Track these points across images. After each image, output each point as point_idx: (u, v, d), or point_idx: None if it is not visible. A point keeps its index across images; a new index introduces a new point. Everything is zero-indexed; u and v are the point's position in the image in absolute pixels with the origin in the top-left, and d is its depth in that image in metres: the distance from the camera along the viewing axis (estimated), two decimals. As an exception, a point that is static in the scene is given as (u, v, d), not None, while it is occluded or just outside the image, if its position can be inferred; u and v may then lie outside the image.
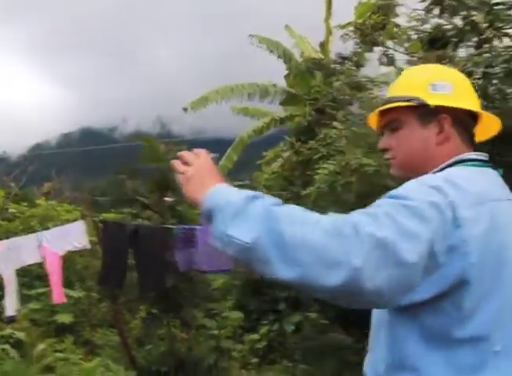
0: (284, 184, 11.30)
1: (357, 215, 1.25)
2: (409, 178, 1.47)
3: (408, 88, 1.62)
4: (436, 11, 4.53)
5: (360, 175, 5.18)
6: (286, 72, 11.23)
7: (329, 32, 11.01)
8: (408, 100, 1.57)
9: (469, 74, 3.77)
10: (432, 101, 1.56)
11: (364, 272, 1.15)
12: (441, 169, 1.52)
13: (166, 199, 4.64)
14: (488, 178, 1.51)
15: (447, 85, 1.59)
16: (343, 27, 6.59)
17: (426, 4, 4.78)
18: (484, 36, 3.55)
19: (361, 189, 4.97)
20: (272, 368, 8.40)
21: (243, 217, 1.26)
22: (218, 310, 6.05)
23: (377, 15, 6.05)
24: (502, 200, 1.47)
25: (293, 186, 10.77)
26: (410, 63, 6.96)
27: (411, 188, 1.35)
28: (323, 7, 11.41)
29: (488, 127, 1.68)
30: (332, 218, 1.24)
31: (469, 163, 1.53)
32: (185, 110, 11.07)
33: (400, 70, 7.32)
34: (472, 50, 4.79)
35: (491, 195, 1.44)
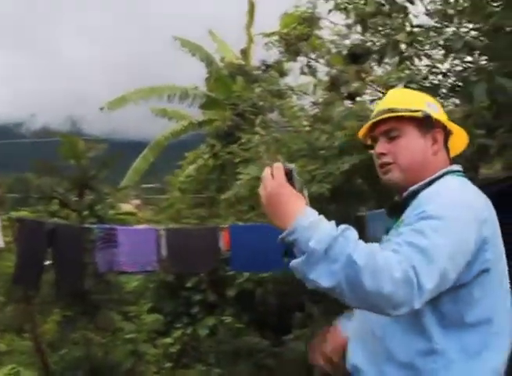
0: (199, 188, 11.32)
1: (412, 258, 1.41)
2: (403, 185, 1.76)
3: (412, 101, 1.82)
4: (358, 28, 4.74)
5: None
6: (207, 76, 11.28)
7: (250, 40, 11.16)
8: (414, 111, 1.76)
9: (391, 88, 3.99)
10: (432, 114, 1.77)
11: (418, 309, 1.44)
12: (437, 177, 1.73)
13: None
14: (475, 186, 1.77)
15: (436, 107, 1.83)
16: (267, 35, 6.72)
17: (348, 21, 4.98)
18: (405, 54, 3.79)
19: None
20: (186, 373, 8.33)
21: (324, 264, 1.40)
22: (136, 313, 5.93)
23: (302, 26, 6.23)
24: (491, 205, 1.71)
25: (207, 190, 10.82)
26: (330, 74, 7.24)
27: (440, 204, 1.55)
28: (246, 15, 11.56)
29: (456, 145, 1.92)
30: (400, 261, 1.40)
31: (456, 173, 1.77)
32: (101, 109, 10.82)
33: (319, 81, 7.57)
34: (390, 67, 5.06)
35: (488, 200, 1.70)
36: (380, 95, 4.90)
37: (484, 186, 4.19)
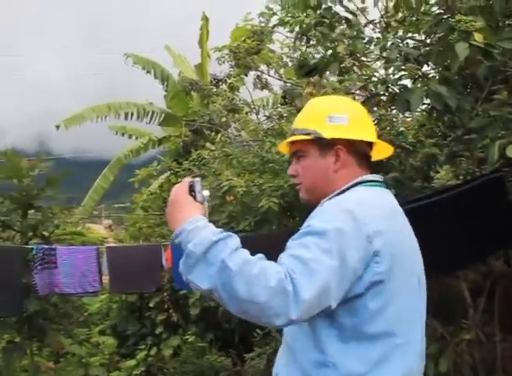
0: (163, 205, 11.19)
1: (293, 271, 1.44)
2: (312, 203, 1.78)
3: (308, 121, 1.82)
4: (303, 40, 4.75)
5: (234, 197, 5.25)
6: (165, 93, 11.21)
7: (206, 54, 11.14)
8: (306, 134, 1.78)
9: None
10: (328, 133, 1.76)
11: (298, 320, 1.45)
12: (343, 191, 1.74)
13: None
14: (387, 196, 1.79)
15: (344, 117, 1.79)
16: (219, 49, 6.69)
17: (294, 33, 4.98)
18: (343, 65, 3.80)
19: (232, 211, 5.03)
20: (150, 395, 8.15)
21: (201, 267, 1.46)
22: (89, 336, 5.74)
23: (252, 39, 6.21)
24: (399, 214, 1.75)
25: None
26: (283, 88, 7.23)
27: (326, 219, 1.56)
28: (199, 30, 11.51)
29: (382, 150, 1.95)
30: (278, 272, 1.43)
31: (368, 184, 1.77)
32: (57, 127, 10.64)
33: (275, 95, 7.56)
34: (335, 79, 5.06)
35: (395, 209, 1.74)
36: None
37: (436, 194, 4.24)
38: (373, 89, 3.60)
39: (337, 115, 1.79)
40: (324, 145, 1.77)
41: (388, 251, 1.57)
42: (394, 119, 5.37)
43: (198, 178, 1.70)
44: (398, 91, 3.35)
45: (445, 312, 5.26)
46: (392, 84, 3.35)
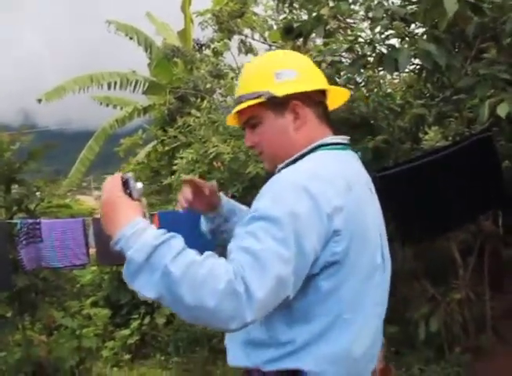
0: (151, 175, 11.10)
1: (243, 267, 1.30)
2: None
3: (254, 84, 1.63)
4: (287, 3, 4.62)
5: (221, 163, 5.19)
6: (148, 61, 10.99)
7: (189, 20, 10.88)
8: (256, 97, 1.59)
9: (318, 64, 3.90)
10: (279, 91, 1.58)
11: (255, 320, 1.32)
12: (304, 154, 1.57)
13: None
14: (350, 162, 1.62)
15: (291, 72, 1.62)
16: (201, 14, 6.53)
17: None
18: (328, 27, 3.70)
19: (220, 177, 4.97)
20: (145, 363, 8.22)
21: (145, 275, 1.32)
22: (81, 308, 5.72)
23: (234, 2, 6.06)
24: (362, 182, 1.59)
25: (160, 177, 10.61)
26: (267, 51, 7.09)
27: (278, 196, 1.40)
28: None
29: (338, 97, 1.78)
30: (227, 271, 1.30)
31: (330, 147, 1.60)
32: (39, 101, 10.40)
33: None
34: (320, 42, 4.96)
35: (355, 179, 1.54)
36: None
37: (426, 155, 4.21)
38: (360, 51, 3.50)
39: (282, 71, 1.63)
40: (278, 105, 1.60)
41: (348, 229, 1.43)
42: (382, 80, 5.30)
43: (130, 173, 1.56)
44: (385, 51, 3.26)
45: (436, 273, 5.31)
46: (379, 44, 3.26)
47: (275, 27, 6.62)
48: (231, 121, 1.77)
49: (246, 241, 1.35)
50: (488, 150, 4.00)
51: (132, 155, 12.05)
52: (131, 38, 10.72)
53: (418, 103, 4.87)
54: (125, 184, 1.52)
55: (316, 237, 1.37)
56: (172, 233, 1.38)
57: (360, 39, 3.52)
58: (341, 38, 3.92)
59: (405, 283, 5.03)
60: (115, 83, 10.80)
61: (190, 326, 7.74)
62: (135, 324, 8.82)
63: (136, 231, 1.38)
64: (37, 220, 4.28)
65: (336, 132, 1.70)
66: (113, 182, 1.52)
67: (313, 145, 1.59)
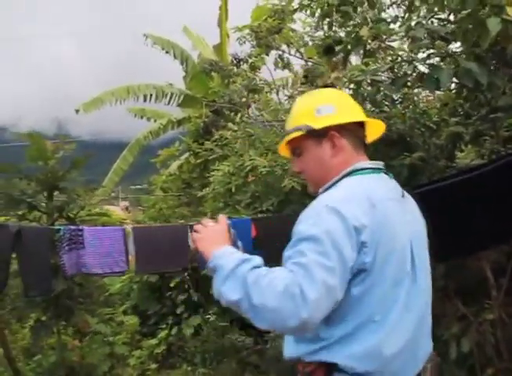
0: (182, 186, 11.23)
1: (296, 275, 1.62)
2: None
3: (297, 119, 1.97)
4: (325, 22, 4.70)
5: (255, 176, 5.26)
6: (184, 74, 11.18)
7: (225, 35, 11.06)
8: (298, 130, 1.92)
9: (358, 83, 3.95)
10: (318, 123, 1.90)
11: (311, 320, 1.60)
12: (339, 180, 1.88)
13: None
14: (379, 182, 1.89)
15: (329, 107, 1.92)
16: (240, 29, 6.65)
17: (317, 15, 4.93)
18: (368, 48, 3.77)
19: (256, 190, 5.03)
20: (171, 373, 8.26)
21: (230, 281, 1.69)
22: (113, 315, 5.80)
23: (273, 19, 6.16)
24: (391, 199, 1.84)
25: (191, 189, 10.73)
26: (304, 67, 7.16)
27: (312, 219, 1.72)
28: (218, 10, 11.41)
29: (374, 130, 2.06)
30: (284, 278, 1.63)
31: (359, 172, 1.88)
32: (77, 111, 10.66)
33: (295, 75, 7.50)
34: (359, 61, 5.00)
35: (381, 196, 1.80)
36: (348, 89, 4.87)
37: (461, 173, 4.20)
38: (400, 70, 3.56)
39: (323, 106, 1.93)
40: (317, 136, 1.90)
41: (374, 241, 1.70)
42: (416, 98, 5.31)
43: (229, 221, 2.01)
44: (426, 70, 3.29)
45: (468, 293, 5.25)
46: (420, 64, 3.30)
47: (310, 44, 6.70)
48: (282, 151, 2.11)
49: (296, 258, 1.66)
50: (525, 169, 3.96)
51: (164, 167, 12.22)
52: (167, 52, 10.94)
53: (453, 121, 4.87)
54: (228, 228, 1.99)
55: (350, 247, 1.66)
56: (254, 256, 1.77)
57: (400, 58, 3.57)
58: (381, 58, 3.97)
59: (436, 301, 4.99)
60: (151, 95, 11.02)
61: (218, 337, 7.79)
62: (162, 334, 8.90)
63: (226, 252, 1.81)
64: (80, 227, 4.40)
65: (372, 157, 1.98)
66: (224, 225, 1.97)
67: (346, 171, 1.88)
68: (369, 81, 3.73)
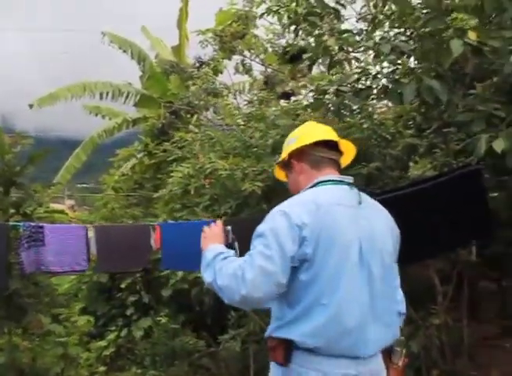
0: (134, 187, 11.12)
1: (245, 262, 2.12)
2: None
3: (282, 151, 2.50)
4: (292, 28, 4.78)
5: (213, 180, 5.29)
6: (141, 74, 11.08)
7: (184, 36, 11.03)
8: (278, 162, 2.57)
9: (324, 92, 4.07)
10: (283, 155, 2.45)
11: (249, 296, 2.06)
12: (305, 191, 2.31)
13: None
14: (334, 191, 2.25)
15: (294, 138, 2.42)
16: (203, 32, 6.67)
17: (283, 21, 5.01)
18: (335, 58, 3.88)
19: (215, 193, 5.06)
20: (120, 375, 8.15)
21: (208, 268, 2.25)
22: (66, 315, 5.67)
23: (237, 24, 6.21)
24: (340, 204, 2.19)
25: (143, 189, 10.64)
26: (265, 73, 7.26)
27: (267, 220, 2.18)
28: (178, 11, 11.37)
29: (346, 149, 2.46)
30: (236, 264, 2.14)
31: (321, 184, 2.28)
32: (30, 106, 10.39)
33: (255, 80, 7.58)
34: (323, 68, 5.12)
35: (329, 201, 2.17)
36: (311, 97, 4.96)
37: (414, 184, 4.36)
38: (364, 83, 3.70)
39: (290, 138, 2.46)
40: (286, 164, 2.45)
41: (315, 237, 2.09)
42: (371, 109, 5.46)
43: (229, 227, 2.52)
44: (389, 84, 3.44)
45: (416, 298, 5.44)
46: (385, 78, 3.44)
47: (270, 50, 6.80)
48: (278, 175, 2.65)
49: (250, 250, 2.15)
50: (475, 182, 4.15)
51: (116, 167, 12.06)
52: (124, 51, 10.82)
53: (408, 133, 5.06)
54: (224, 231, 2.50)
55: (292, 241, 2.07)
56: (228, 250, 2.33)
57: (366, 71, 3.69)
58: (347, 68, 4.09)
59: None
60: (107, 93, 10.86)
61: (169, 339, 7.74)
62: (111, 336, 8.75)
63: (215, 247, 2.35)
64: (40, 224, 4.30)
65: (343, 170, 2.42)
66: (219, 227, 2.50)
67: (311, 184, 2.31)
68: (333, 90, 3.84)
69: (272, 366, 2.23)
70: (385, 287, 2.23)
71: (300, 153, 2.37)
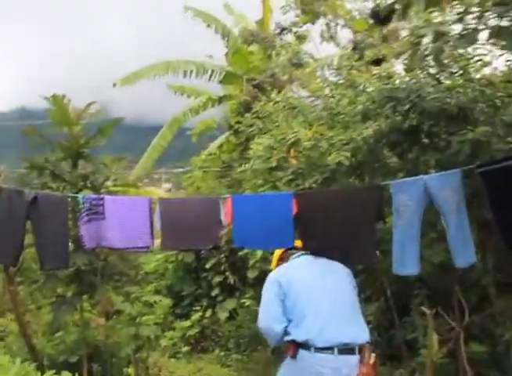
0: (222, 166, 10.89)
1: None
2: None
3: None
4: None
5: (298, 152, 4.84)
6: (226, 50, 10.77)
7: (267, 9, 10.55)
8: None
9: (421, 37, 3.45)
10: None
11: (262, 324, 3.45)
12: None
13: None
14: (299, 261, 3.60)
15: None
16: (285, -2, 6.20)
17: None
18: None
19: (298, 167, 4.60)
20: (203, 357, 7.99)
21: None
22: (141, 295, 5.48)
23: (319, -15, 5.70)
24: (302, 264, 3.56)
25: (232, 170, 10.37)
26: (353, 40, 6.66)
27: (265, 284, 3.47)
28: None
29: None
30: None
31: (295, 256, 3.63)
32: (114, 85, 10.36)
33: (342, 47, 7.00)
34: (415, 20, 4.48)
35: (299, 266, 3.55)
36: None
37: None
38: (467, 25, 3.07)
39: None
40: None
41: (287, 284, 3.33)
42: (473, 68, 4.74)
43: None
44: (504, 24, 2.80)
45: None
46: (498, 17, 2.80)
47: (356, 15, 6.24)
48: None
49: None
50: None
51: (205, 148, 11.91)
52: (208, 26, 10.53)
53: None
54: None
55: (276, 288, 3.33)
56: None
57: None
58: (447, 8, 3.46)
59: (498, 298, 4.50)
60: (191, 71, 10.63)
61: (253, 323, 7.45)
62: (196, 316, 8.65)
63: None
64: (101, 195, 4.02)
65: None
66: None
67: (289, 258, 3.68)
68: (432, 35, 3.23)
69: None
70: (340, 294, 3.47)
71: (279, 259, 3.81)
